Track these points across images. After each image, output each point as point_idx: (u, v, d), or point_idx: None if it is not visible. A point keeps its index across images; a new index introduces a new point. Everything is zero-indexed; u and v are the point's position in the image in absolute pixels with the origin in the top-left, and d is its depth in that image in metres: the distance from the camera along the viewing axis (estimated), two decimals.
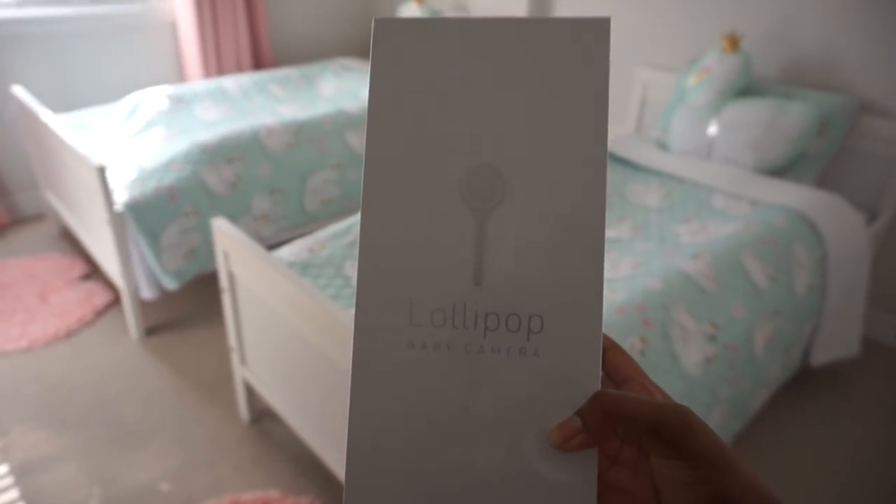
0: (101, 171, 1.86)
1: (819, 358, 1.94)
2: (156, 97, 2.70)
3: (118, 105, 2.67)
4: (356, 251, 1.53)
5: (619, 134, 2.51)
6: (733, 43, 2.22)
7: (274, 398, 1.60)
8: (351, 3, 3.74)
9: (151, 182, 2.03)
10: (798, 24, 2.25)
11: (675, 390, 1.32)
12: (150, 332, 2.15)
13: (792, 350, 1.79)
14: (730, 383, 1.48)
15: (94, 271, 2.45)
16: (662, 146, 2.46)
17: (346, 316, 1.21)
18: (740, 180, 2.09)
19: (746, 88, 2.31)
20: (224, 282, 1.60)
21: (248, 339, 1.64)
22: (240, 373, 1.72)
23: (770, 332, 1.62)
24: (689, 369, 1.36)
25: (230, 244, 1.50)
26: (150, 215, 1.96)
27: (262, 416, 1.82)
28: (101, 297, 2.27)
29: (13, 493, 1.55)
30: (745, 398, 1.60)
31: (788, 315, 1.69)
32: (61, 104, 2.87)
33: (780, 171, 2.19)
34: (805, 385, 2.07)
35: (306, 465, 1.65)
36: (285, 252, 1.68)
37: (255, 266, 1.43)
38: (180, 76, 3.21)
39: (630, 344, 1.29)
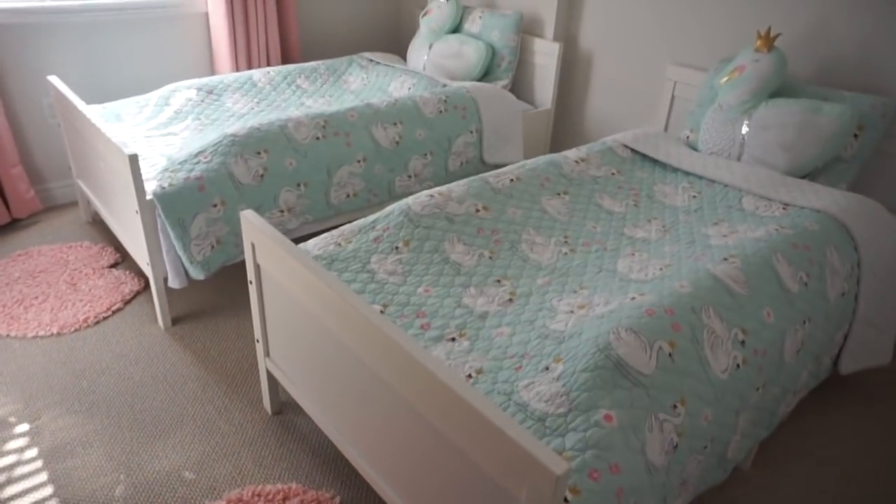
0: (133, 159, 1.88)
1: (849, 366, 1.90)
2: (187, 89, 2.73)
3: (150, 96, 2.70)
4: (382, 245, 1.54)
5: (648, 133, 2.48)
6: (768, 41, 2.18)
7: (297, 391, 1.61)
8: None
9: (181, 173, 2.05)
10: (835, 23, 2.20)
11: (704, 396, 1.30)
12: (177, 320, 2.18)
13: (822, 357, 1.75)
14: (758, 389, 1.46)
15: (123, 259, 2.49)
16: (691, 146, 2.42)
17: (370, 311, 1.21)
18: (772, 182, 2.05)
19: (780, 89, 2.26)
20: (251, 273, 1.62)
21: (272, 331, 1.65)
22: (264, 364, 1.73)
23: (801, 339, 1.59)
24: (718, 375, 1.34)
25: (257, 236, 1.51)
26: (179, 205, 1.98)
27: (286, 407, 1.83)
28: (129, 285, 2.31)
29: (41, 477, 1.58)
30: (773, 405, 1.58)
31: (820, 321, 1.65)
32: (94, 94, 2.92)
33: (812, 173, 2.15)
34: (833, 392, 2.02)
35: (328, 459, 1.67)
36: (311, 245, 1.68)
37: (281, 258, 1.44)
38: (211, 67, 3.24)
39: (658, 346, 1.27)
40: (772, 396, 1.56)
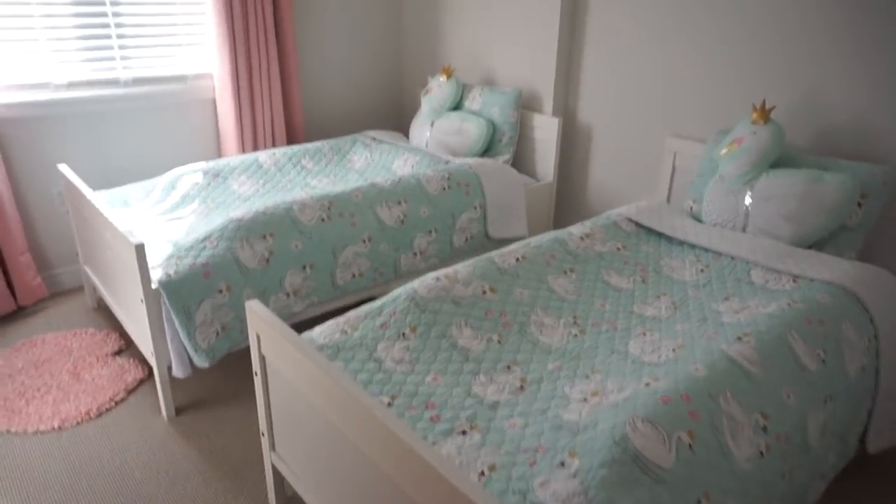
0: (140, 249, 1.89)
1: (877, 444, 1.83)
2: (193, 172, 2.78)
3: (157, 181, 2.74)
4: (388, 332, 1.50)
5: (651, 205, 2.49)
6: (763, 114, 2.22)
7: (303, 487, 1.55)
8: (381, 77, 3.86)
9: (187, 259, 2.05)
10: (826, 93, 2.24)
11: (729, 489, 1.24)
12: (181, 410, 2.13)
13: (848, 436, 1.69)
14: (785, 477, 1.40)
15: (127, 346, 2.46)
16: (695, 217, 2.43)
17: (375, 404, 1.18)
18: (779, 254, 2.03)
19: (780, 159, 2.28)
20: (256, 365, 1.59)
21: (278, 424, 1.61)
22: (269, 459, 1.68)
23: (824, 419, 1.53)
24: (742, 465, 1.28)
25: (262, 326, 1.49)
26: (184, 293, 1.97)
27: (290, 502, 1.76)
28: (133, 374, 2.27)
29: None
30: (801, 492, 1.51)
31: (841, 399, 1.60)
32: (104, 179, 2.97)
33: (819, 243, 2.13)
34: (861, 473, 1.94)
35: None
36: (317, 333, 1.66)
37: (286, 350, 1.42)
38: (218, 150, 3.31)
39: (677, 438, 1.22)
40: (799, 483, 1.49)
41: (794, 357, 1.53)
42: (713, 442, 1.26)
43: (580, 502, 1.12)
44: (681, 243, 2.24)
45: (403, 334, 1.65)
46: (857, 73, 2.16)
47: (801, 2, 2.24)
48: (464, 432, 1.35)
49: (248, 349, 2.47)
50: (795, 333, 1.59)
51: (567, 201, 3.27)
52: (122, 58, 2.91)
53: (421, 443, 1.08)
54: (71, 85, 2.80)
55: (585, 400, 1.40)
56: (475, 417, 1.39)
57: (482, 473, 1.23)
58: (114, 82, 2.92)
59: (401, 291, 1.77)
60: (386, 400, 1.44)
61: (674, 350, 1.57)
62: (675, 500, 1.15)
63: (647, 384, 1.39)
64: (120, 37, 2.88)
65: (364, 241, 2.42)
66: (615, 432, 1.22)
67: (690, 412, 1.28)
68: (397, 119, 4.03)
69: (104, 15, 2.81)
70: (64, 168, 2.52)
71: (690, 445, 1.23)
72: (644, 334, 1.68)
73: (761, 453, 1.33)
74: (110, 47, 2.87)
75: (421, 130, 3.30)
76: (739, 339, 1.54)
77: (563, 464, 1.21)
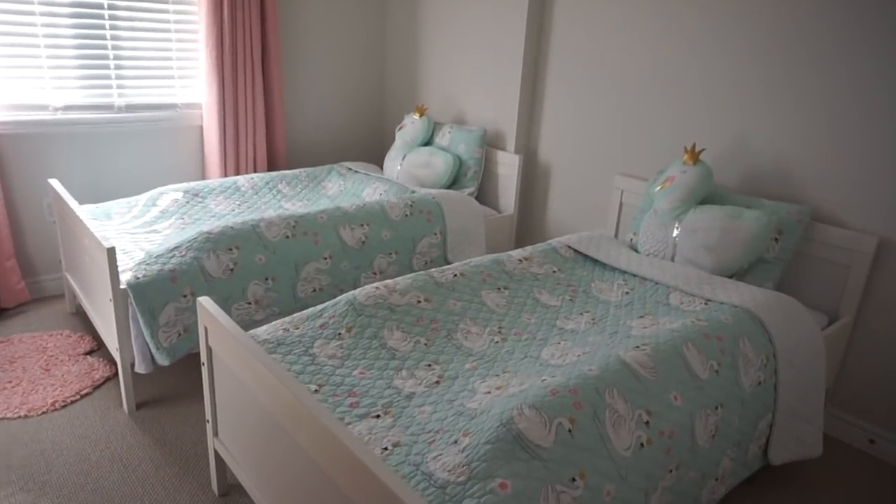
0: (111, 252, 2.07)
1: (780, 456, 1.97)
2: (174, 191, 2.99)
3: (140, 197, 2.95)
4: (326, 332, 1.67)
5: (592, 235, 2.68)
6: (693, 155, 2.43)
7: (241, 473, 1.70)
8: (363, 113, 4.12)
9: (156, 265, 2.24)
10: (753, 139, 2.46)
11: (605, 472, 1.39)
12: (142, 405, 2.28)
13: (747, 445, 1.83)
14: (671, 472, 1.54)
15: (99, 347, 2.62)
16: (634, 248, 2.62)
17: (299, 388, 1.34)
18: (698, 280, 2.21)
19: (708, 197, 2.49)
20: (204, 355, 1.76)
21: (221, 412, 1.76)
22: (212, 444, 1.83)
23: (714, 423, 1.69)
24: (621, 452, 1.44)
25: (210, 320, 1.67)
26: (150, 295, 2.15)
27: (233, 490, 1.90)
28: (101, 372, 2.43)
29: None
30: (692, 489, 1.65)
31: (735, 408, 1.75)
32: (94, 194, 3.18)
33: (739, 273, 2.32)
34: (770, 484, 2.08)
35: None
36: (262, 330, 1.83)
37: (228, 341, 1.59)
38: (202, 173, 3.53)
39: (558, 422, 1.38)
40: (689, 480, 1.63)
41: (685, 365, 1.69)
42: (593, 429, 1.42)
43: (463, 471, 1.28)
44: (613, 269, 2.42)
45: (339, 334, 1.82)
46: (779, 123, 2.39)
47: (732, 58, 2.49)
48: (377, 416, 1.51)
49: None
50: (691, 345, 1.76)
51: (527, 232, 3.47)
52: (118, 86, 3.16)
53: (332, 419, 1.25)
54: (68, 108, 3.04)
55: (489, 392, 1.57)
56: (391, 405, 1.55)
57: (385, 449, 1.39)
58: (108, 107, 3.16)
59: (342, 297, 1.95)
60: (313, 387, 1.61)
61: (578, 356, 1.73)
62: (549, 474, 1.31)
63: (544, 380, 1.55)
64: (118, 67, 3.13)
65: (325, 259, 2.61)
66: (503, 416, 1.38)
67: (575, 403, 1.45)
68: (376, 152, 4.27)
69: (104, 48, 3.07)
70: (54, 182, 2.73)
71: (570, 430, 1.39)
72: (559, 343, 1.85)
73: (641, 444, 1.48)
74: (108, 76, 3.12)
75: (393, 163, 3.53)
76: (637, 347, 1.71)
77: (456, 442, 1.37)
